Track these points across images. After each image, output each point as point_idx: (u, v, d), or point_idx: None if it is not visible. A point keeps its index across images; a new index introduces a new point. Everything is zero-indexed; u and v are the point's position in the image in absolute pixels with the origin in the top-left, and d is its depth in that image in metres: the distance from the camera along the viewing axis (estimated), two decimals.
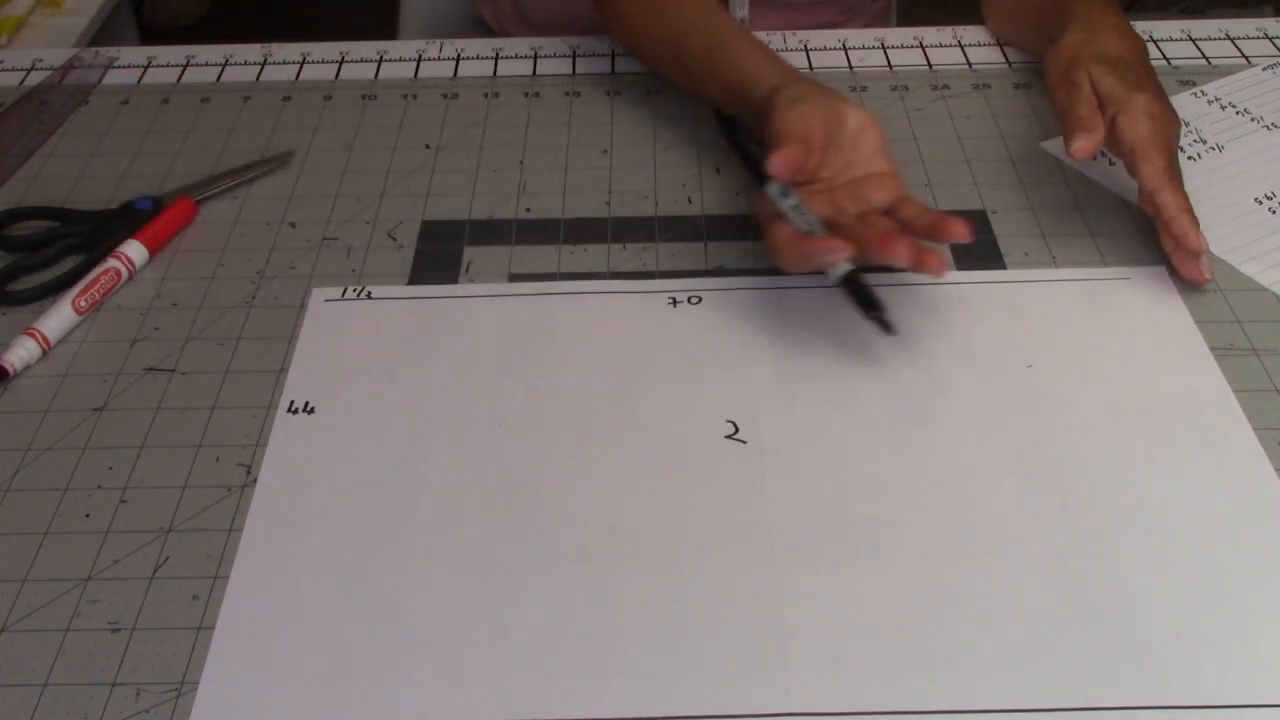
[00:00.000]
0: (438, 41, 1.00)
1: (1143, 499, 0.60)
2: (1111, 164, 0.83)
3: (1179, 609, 0.56)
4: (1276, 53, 0.95)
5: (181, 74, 0.97)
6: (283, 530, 0.60)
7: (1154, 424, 0.64)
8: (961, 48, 0.97)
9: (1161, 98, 0.76)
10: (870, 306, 0.67)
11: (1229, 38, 0.97)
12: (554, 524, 0.60)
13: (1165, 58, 0.95)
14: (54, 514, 0.62)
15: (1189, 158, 0.83)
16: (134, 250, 0.76)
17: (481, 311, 0.73)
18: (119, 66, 0.99)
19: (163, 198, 0.81)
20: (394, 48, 0.99)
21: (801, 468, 0.63)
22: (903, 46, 0.98)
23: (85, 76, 0.97)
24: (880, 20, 1.16)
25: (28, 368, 0.70)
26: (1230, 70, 0.93)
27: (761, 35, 0.99)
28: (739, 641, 0.55)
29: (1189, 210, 0.71)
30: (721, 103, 0.82)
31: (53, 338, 0.71)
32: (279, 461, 0.64)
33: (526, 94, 0.94)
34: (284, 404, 0.67)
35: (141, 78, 0.97)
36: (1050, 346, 0.69)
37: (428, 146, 0.88)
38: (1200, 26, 0.99)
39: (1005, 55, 0.96)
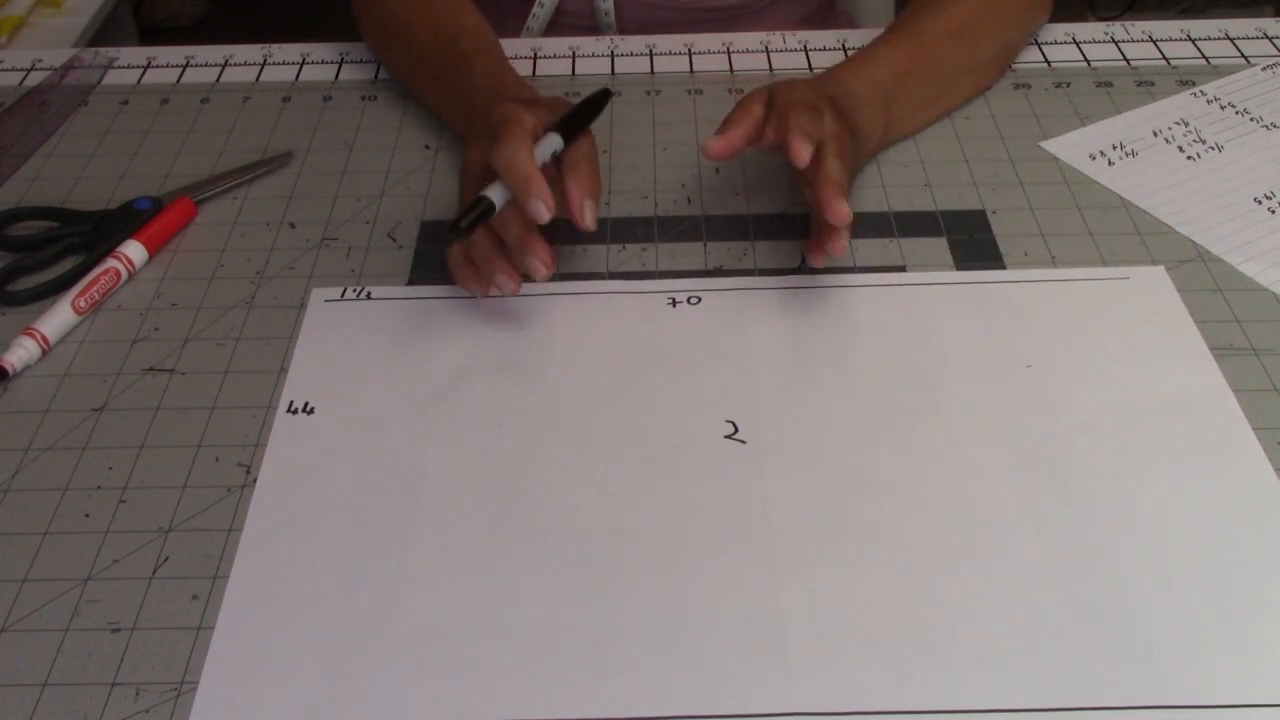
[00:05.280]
0: None
1: (1142, 499, 0.60)
2: (1111, 164, 0.83)
3: (1179, 609, 0.56)
4: (1276, 53, 0.95)
5: (181, 74, 0.97)
6: (282, 530, 0.60)
7: (1154, 424, 0.64)
8: None
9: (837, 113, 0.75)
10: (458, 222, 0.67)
11: (1229, 38, 0.97)
12: (553, 524, 0.60)
13: (1165, 58, 0.95)
14: (54, 514, 0.62)
15: (1189, 158, 0.83)
16: (134, 250, 0.76)
17: (481, 312, 0.73)
18: (119, 66, 0.99)
19: (163, 198, 0.81)
20: None
21: (801, 468, 0.63)
22: None
23: (85, 76, 0.97)
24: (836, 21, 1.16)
25: (28, 368, 0.70)
26: (1230, 70, 0.93)
27: (761, 35, 0.99)
28: (739, 641, 0.55)
29: (837, 180, 0.69)
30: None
31: (52, 338, 0.71)
32: (279, 461, 0.64)
33: None
34: (284, 404, 0.67)
35: (141, 78, 0.97)
36: (1050, 346, 0.69)
37: (427, 147, 0.88)
38: (1200, 26, 0.99)
39: None
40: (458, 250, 0.71)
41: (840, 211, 0.67)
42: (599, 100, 0.76)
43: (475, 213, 0.66)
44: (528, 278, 0.69)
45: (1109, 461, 0.62)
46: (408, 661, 0.54)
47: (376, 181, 0.85)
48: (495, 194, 0.67)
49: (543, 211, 0.66)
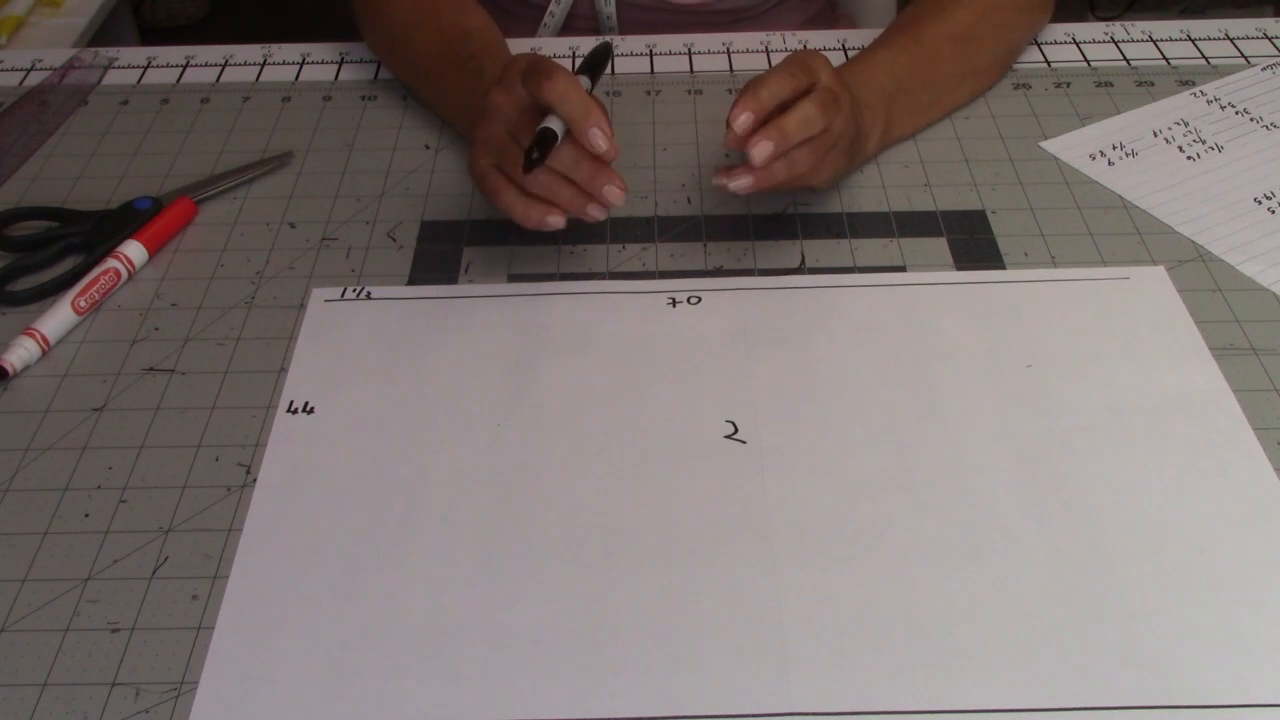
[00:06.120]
0: None
1: (1142, 499, 0.61)
2: (1111, 164, 0.83)
3: (1179, 609, 0.56)
4: (1276, 53, 0.95)
5: (181, 74, 0.97)
6: (282, 530, 0.60)
7: (1154, 424, 0.64)
8: None
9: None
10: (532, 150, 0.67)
11: (1229, 38, 0.97)
12: (553, 524, 0.60)
13: (1165, 58, 0.95)
14: (54, 514, 0.62)
15: (1189, 158, 0.83)
16: (134, 250, 0.76)
17: (481, 312, 0.73)
18: (119, 66, 0.99)
19: (163, 198, 0.81)
20: None
21: (801, 468, 0.63)
22: None
23: (85, 76, 0.97)
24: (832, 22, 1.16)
25: (28, 368, 0.70)
26: (1230, 70, 0.93)
27: (760, 35, 0.99)
28: (739, 641, 0.55)
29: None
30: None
31: (52, 338, 0.71)
32: (278, 461, 0.64)
33: None
34: (283, 404, 0.67)
35: (141, 78, 0.97)
36: (1050, 346, 0.69)
37: (427, 147, 0.88)
38: (1200, 26, 0.99)
39: None
40: (528, 199, 0.71)
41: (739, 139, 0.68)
42: (603, 53, 0.77)
43: (543, 145, 0.67)
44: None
45: (1109, 461, 0.62)
46: (407, 661, 0.54)
47: (376, 181, 0.85)
48: (555, 125, 0.68)
49: (601, 141, 0.67)
